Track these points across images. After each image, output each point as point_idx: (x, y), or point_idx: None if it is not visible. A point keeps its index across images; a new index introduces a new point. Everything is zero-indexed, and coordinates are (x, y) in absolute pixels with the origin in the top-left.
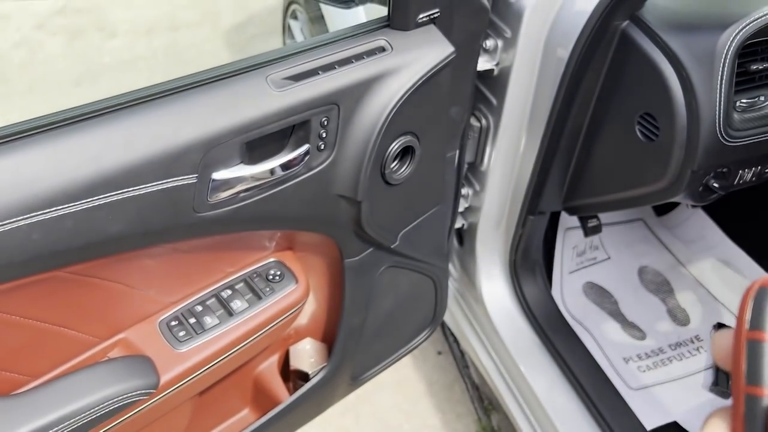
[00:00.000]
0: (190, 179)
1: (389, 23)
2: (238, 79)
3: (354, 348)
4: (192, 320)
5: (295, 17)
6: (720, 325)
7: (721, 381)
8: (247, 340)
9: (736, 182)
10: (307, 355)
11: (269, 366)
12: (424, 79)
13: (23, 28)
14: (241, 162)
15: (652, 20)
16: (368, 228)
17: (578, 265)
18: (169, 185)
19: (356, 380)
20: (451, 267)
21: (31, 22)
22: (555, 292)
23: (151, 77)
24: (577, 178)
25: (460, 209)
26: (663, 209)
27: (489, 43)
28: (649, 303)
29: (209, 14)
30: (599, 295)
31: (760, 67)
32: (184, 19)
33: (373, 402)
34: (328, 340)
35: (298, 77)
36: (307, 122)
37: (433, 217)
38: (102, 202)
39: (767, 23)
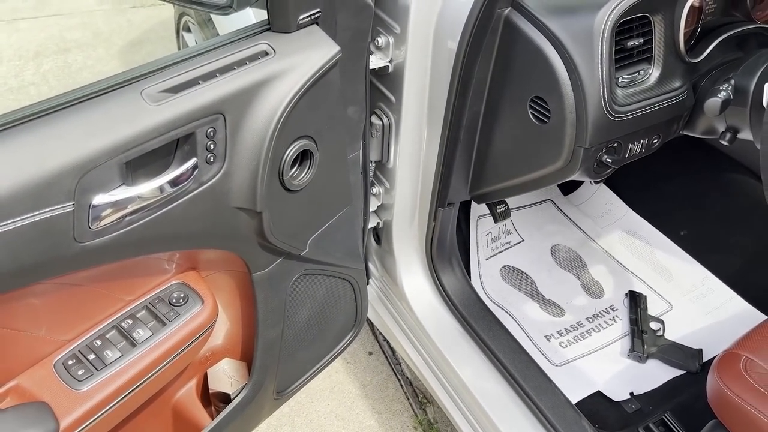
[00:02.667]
0: (66, 208)
1: (270, 26)
2: (110, 96)
3: (274, 362)
4: (91, 356)
5: (188, 29)
6: (632, 293)
7: (637, 347)
8: (155, 370)
9: (627, 155)
10: (225, 375)
11: (187, 391)
12: (311, 80)
13: None
14: (123, 183)
15: (532, 5)
16: (273, 238)
17: (494, 250)
18: (42, 216)
19: (282, 394)
20: (372, 266)
21: None
22: (474, 280)
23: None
24: (480, 167)
25: (374, 208)
26: (569, 188)
27: (381, 41)
28: (564, 280)
29: (100, 34)
30: (516, 277)
31: (637, 43)
32: (74, 40)
33: (308, 411)
34: (247, 357)
35: (176, 89)
36: (192, 135)
37: (341, 219)
38: None
39: (639, 0)
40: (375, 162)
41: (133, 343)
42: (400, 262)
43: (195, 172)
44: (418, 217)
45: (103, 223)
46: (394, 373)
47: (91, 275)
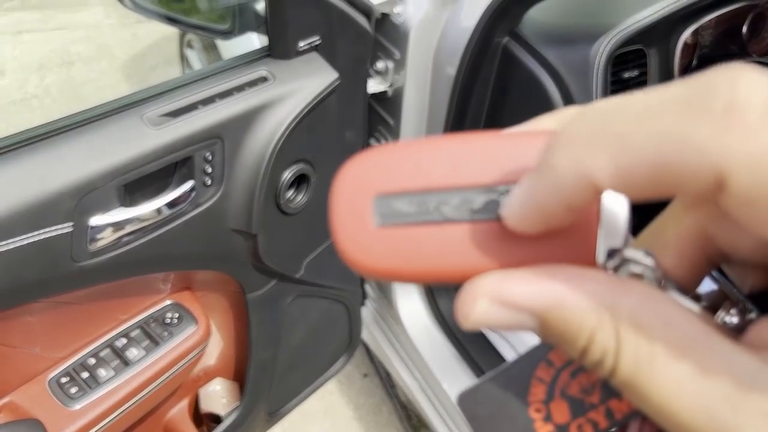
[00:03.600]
0: (65, 228)
1: (270, 53)
2: (111, 120)
3: (267, 383)
4: (85, 374)
5: (191, 46)
6: None
7: None
8: (147, 389)
9: None
10: (217, 396)
11: (179, 411)
12: (310, 106)
13: None
14: (121, 204)
15: (529, 35)
16: (268, 260)
17: None
18: (42, 237)
19: (274, 415)
20: (368, 288)
21: None
22: None
23: (47, 115)
24: None
25: None
26: None
27: (380, 65)
28: None
29: (104, 47)
30: None
31: (632, 75)
32: (78, 54)
33: None
34: (240, 377)
35: (176, 113)
36: (190, 158)
37: None
38: None
39: (634, 32)
40: None
41: (127, 363)
42: (397, 284)
43: (192, 194)
44: None
45: (101, 243)
46: (389, 395)
47: (86, 294)
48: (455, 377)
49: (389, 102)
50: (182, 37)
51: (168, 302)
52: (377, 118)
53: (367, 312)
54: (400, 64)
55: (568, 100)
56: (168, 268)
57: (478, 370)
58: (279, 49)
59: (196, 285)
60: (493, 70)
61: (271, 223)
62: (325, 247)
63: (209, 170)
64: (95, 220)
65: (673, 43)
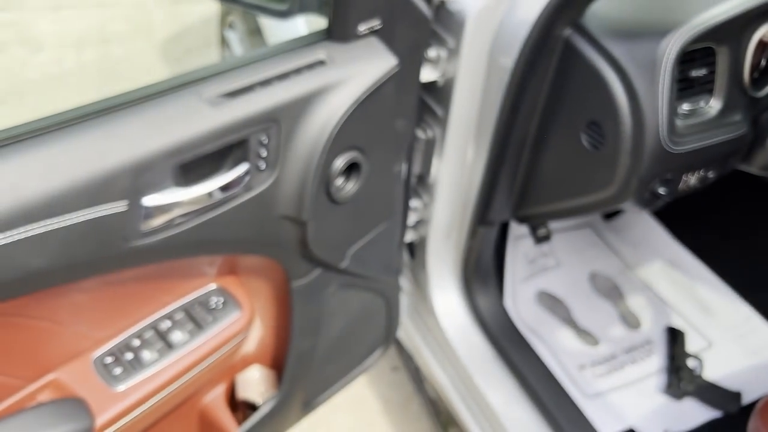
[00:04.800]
0: (119, 207)
1: (329, 35)
2: (169, 98)
3: (305, 374)
4: (129, 356)
5: (232, 28)
6: (670, 330)
7: (673, 384)
8: (189, 374)
9: (681, 187)
10: (255, 383)
11: (216, 397)
12: (367, 93)
13: None
14: (176, 185)
15: (594, 28)
16: (315, 249)
17: (530, 273)
18: (97, 214)
19: (308, 406)
20: (403, 281)
21: None
22: (507, 302)
23: (83, 92)
24: (525, 188)
25: (410, 223)
26: (609, 214)
27: (433, 54)
28: (600, 308)
29: (141, 26)
30: (551, 302)
31: (700, 74)
32: (115, 32)
33: (329, 424)
34: (278, 366)
35: (233, 94)
36: (246, 141)
37: (381, 233)
38: (22, 236)
39: (705, 30)
40: (416, 176)
41: (170, 346)
42: (433, 279)
43: (246, 178)
44: (455, 234)
45: (153, 224)
46: (418, 391)
47: (134, 274)
48: (491, 377)
49: (439, 92)
50: (224, 17)
51: (213, 286)
52: (425, 108)
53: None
54: (453, 54)
55: (633, 98)
56: (217, 251)
57: (514, 369)
58: (338, 32)
59: (241, 270)
60: (552, 64)
61: (320, 211)
62: (369, 238)
63: (264, 154)
64: (149, 200)
65: (745, 41)
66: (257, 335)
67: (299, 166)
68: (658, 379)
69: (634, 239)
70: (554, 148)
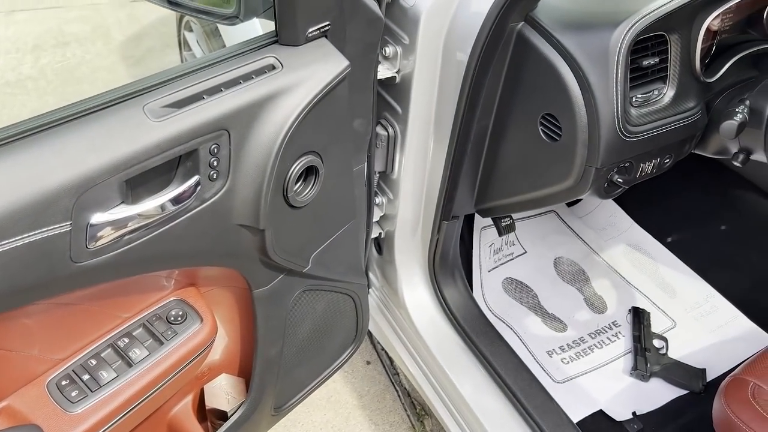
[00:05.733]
0: (63, 227)
1: (278, 39)
2: (111, 111)
3: (273, 379)
4: (85, 377)
5: (190, 29)
6: (635, 310)
7: (640, 365)
8: (152, 391)
9: (638, 175)
10: (223, 392)
11: (183, 407)
12: (319, 96)
13: None
14: (123, 201)
15: (546, 21)
16: (275, 256)
17: (496, 262)
18: (39, 237)
19: (280, 410)
20: (372, 277)
21: None
22: (476, 292)
23: (42, 97)
24: (486, 181)
25: (376, 218)
26: (573, 200)
27: (388, 51)
28: (567, 293)
29: (99, 28)
30: (519, 290)
31: (652, 62)
32: (73, 34)
33: (304, 422)
34: (245, 373)
35: (179, 104)
36: (195, 151)
37: (345, 234)
38: None
39: (656, 19)
40: (379, 172)
41: (130, 363)
42: (402, 274)
43: (197, 189)
44: (421, 228)
45: (101, 242)
46: (392, 383)
47: (86, 294)
48: (462, 367)
49: (397, 88)
50: (180, 19)
51: (172, 299)
52: (384, 105)
53: (370, 300)
54: (408, 50)
55: (586, 89)
56: (172, 265)
57: (484, 360)
58: (287, 35)
59: (201, 281)
60: (506, 57)
61: (278, 217)
62: (332, 240)
63: (215, 164)
64: (95, 218)
65: (696, 28)
66: (223, 344)
67: (253, 174)
68: (625, 361)
69: (597, 224)
70: (512, 141)
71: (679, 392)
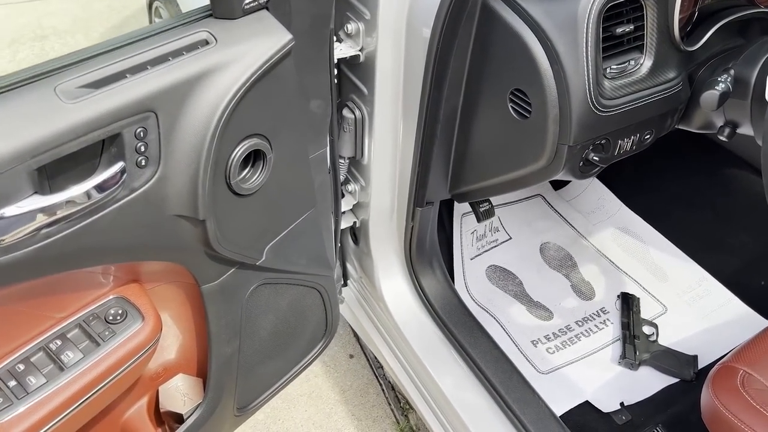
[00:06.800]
0: None
1: (212, 12)
2: (17, 93)
3: (232, 378)
4: (11, 383)
5: (159, 16)
6: (624, 295)
7: (629, 353)
8: (87, 396)
9: (616, 153)
10: (179, 393)
11: (138, 410)
12: (259, 73)
13: None
14: (36, 192)
15: None
16: (220, 248)
17: (479, 249)
18: None
19: (244, 410)
20: (350, 267)
21: None
22: (458, 281)
23: None
24: (459, 165)
25: (349, 206)
26: (559, 183)
27: (350, 27)
28: (553, 280)
29: (78, 20)
30: (503, 277)
31: (626, 29)
32: (52, 27)
33: (284, 418)
34: (203, 373)
35: (97, 84)
36: (118, 136)
37: (305, 224)
38: None
39: None
40: (349, 158)
41: (62, 367)
42: (378, 264)
43: (124, 177)
44: (396, 216)
45: (13, 237)
46: (376, 377)
47: (11, 293)
48: (441, 361)
49: (362, 68)
50: (150, 5)
51: (112, 297)
52: (350, 86)
53: (349, 292)
54: (371, 26)
55: (555, 61)
56: (103, 260)
57: (464, 353)
58: (222, 7)
59: (145, 277)
60: (472, 30)
61: (221, 206)
62: (290, 230)
63: (142, 149)
64: (4, 211)
65: None
66: (177, 343)
67: (188, 159)
68: (614, 350)
69: (585, 207)
70: (483, 120)
71: (669, 380)
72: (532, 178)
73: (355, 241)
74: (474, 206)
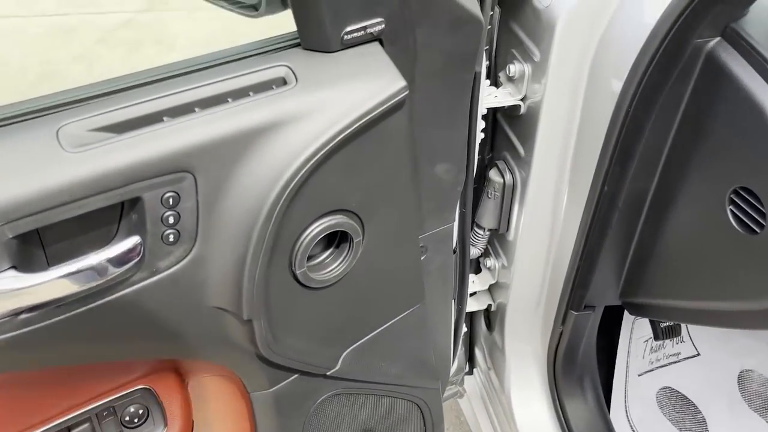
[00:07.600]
0: None
1: (299, 41)
2: (8, 131)
3: None
4: None
5: None
6: None
7: None
8: None
9: None
10: None
11: None
12: (351, 129)
13: (86, 42)
14: (12, 266)
15: (758, 37)
16: (271, 354)
17: (652, 364)
18: None
19: None
20: (479, 354)
21: (94, 36)
22: (616, 405)
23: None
24: (640, 268)
25: (486, 286)
26: None
27: (514, 69)
28: (751, 426)
29: (268, 27)
30: (680, 407)
31: None
32: (244, 33)
33: None
34: None
35: (117, 127)
36: (138, 201)
37: (405, 323)
38: None
39: None
40: (490, 230)
41: None
42: (512, 366)
43: (142, 254)
44: (543, 310)
45: None
46: None
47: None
48: None
49: (521, 122)
50: None
51: (138, 387)
52: (504, 143)
53: (472, 382)
54: (540, 70)
55: None
56: (107, 357)
57: None
58: (311, 36)
59: (187, 365)
60: (685, 91)
61: (280, 300)
62: (381, 331)
63: (171, 220)
64: None
65: None
66: None
67: (233, 240)
68: None
69: None
70: (684, 218)
71: None
72: (749, 319)
73: (489, 326)
74: (653, 321)
